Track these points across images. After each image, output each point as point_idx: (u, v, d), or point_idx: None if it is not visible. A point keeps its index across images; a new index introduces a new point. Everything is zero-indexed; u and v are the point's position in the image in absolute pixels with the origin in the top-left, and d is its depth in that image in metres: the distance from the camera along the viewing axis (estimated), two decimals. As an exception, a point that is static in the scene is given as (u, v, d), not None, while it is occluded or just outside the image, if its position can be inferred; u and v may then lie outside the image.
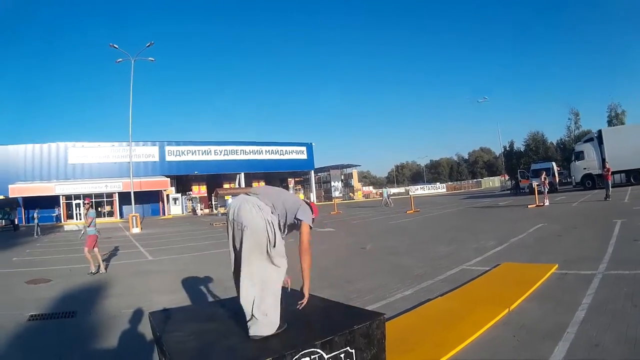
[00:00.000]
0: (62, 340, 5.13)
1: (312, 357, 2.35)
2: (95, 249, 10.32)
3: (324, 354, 2.40)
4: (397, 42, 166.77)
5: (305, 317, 2.98)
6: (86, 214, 10.70)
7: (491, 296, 5.42)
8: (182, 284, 7.81)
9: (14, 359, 4.70)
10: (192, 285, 7.70)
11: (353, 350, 2.54)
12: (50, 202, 41.69)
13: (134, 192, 31.87)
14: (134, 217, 24.78)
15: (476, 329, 4.15)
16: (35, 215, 26.54)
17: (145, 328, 4.83)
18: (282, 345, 2.42)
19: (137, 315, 5.83)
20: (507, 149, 68.68)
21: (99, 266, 10.00)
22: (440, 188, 71.64)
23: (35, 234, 24.29)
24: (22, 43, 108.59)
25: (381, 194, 39.64)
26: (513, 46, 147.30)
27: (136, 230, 24.09)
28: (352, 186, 62.27)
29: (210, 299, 6.46)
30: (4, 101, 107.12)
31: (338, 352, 2.47)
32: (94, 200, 42.21)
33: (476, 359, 3.65)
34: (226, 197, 38.39)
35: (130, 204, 31.48)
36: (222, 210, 37.99)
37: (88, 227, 10.45)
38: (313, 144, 58.68)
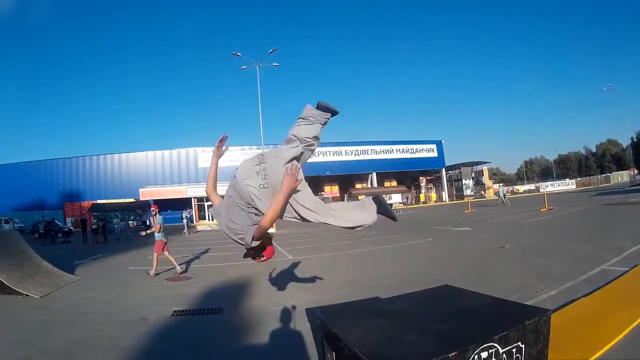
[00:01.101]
0: (211, 336, 5.43)
1: (490, 351, 2.38)
2: (166, 252, 10.82)
3: (500, 348, 2.43)
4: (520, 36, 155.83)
5: (476, 311, 3.03)
6: (154, 220, 11.36)
7: (634, 297, 5.33)
8: (326, 283, 8.06)
9: (164, 352, 4.95)
10: (337, 283, 7.95)
11: (523, 346, 2.56)
12: (181, 204, 44.21)
13: None
14: None
15: (621, 329, 4.12)
16: (184, 215, 29.49)
17: (297, 325, 5.35)
18: (463, 340, 2.41)
19: (286, 313, 5.96)
20: (635, 140, 59.84)
21: (174, 268, 10.75)
22: (569, 184, 66.89)
23: (185, 233, 26.86)
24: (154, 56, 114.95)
25: (499, 193, 36.99)
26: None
27: (271, 230, 20.63)
28: (483, 184, 59.60)
29: (358, 296, 6.51)
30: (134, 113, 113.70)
31: (511, 346, 2.49)
32: None
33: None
34: (360, 197, 37.70)
35: None
36: None
37: (157, 232, 10.86)
38: (443, 141, 57.49)
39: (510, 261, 9.25)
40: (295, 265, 10.70)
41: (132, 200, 44.74)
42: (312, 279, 8.42)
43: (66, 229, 30.68)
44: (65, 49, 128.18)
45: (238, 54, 29.05)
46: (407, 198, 45.93)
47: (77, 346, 5.28)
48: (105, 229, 25.37)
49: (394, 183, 55.98)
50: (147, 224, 36.22)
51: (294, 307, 6.13)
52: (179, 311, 6.62)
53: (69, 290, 9.49)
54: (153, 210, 11.74)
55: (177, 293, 8.20)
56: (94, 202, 44.35)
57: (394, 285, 7.29)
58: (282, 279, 8.79)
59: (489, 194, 55.91)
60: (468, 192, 55.29)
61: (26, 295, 8.68)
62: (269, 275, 9.14)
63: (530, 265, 8.45)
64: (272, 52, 28.99)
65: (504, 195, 34.36)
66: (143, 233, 11.80)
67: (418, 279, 7.65)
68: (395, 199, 38.47)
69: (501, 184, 57.50)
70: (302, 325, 5.39)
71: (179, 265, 10.96)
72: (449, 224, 18.90)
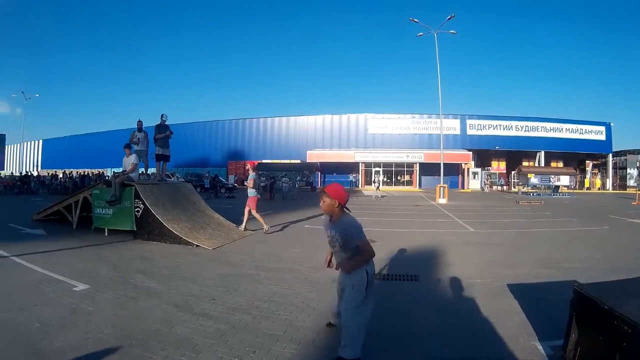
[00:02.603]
0: (412, 304, 4.95)
1: None
2: (252, 211, 10.69)
3: None
4: None
5: None
6: (246, 177, 11.60)
7: None
8: (517, 260, 7.56)
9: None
10: (528, 262, 7.40)
11: None
12: (348, 168, 44.91)
13: (435, 164, 33.12)
14: (441, 188, 24.55)
15: None
16: (375, 179, 29.71)
17: (502, 301, 4.96)
18: None
19: (486, 287, 5.64)
20: None
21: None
22: None
23: (377, 196, 26.61)
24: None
25: None
26: None
27: (442, 200, 23.90)
28: None
29: (556, 278, 6.15)
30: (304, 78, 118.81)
31: None
32: (394, 169, 46.07)
33: None
34: (529, 176, 35.38)
35: (430, 175, 36.39)
36: (522, 188, 36.56)
37: (251, 188, 10.88)
38: (612, 124, 51.01)
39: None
40: (479, 238, 10.35)
41: (298, 161, 45.43)
42: (502, 255, 8.06)
43: (230, 185, 31.82)
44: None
45: (415, 20, 28.07)
46: (574, 182, 39.90)
47: (267, 304, 4.84)
48: (273, 187, 25.76)
49: (560, 164, 51.22)
50: (314, 185, 38.09)
51: (491, 283, 5.86)
52: (377, 274, 6.00)
53: (243, 243, 9.01)
54: (250, 169, 11.67)
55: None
56: (260, 161, 45.61)
57: (589, 268, 6.79)
58: (470, 252, 8.41)
59: (653, 187, 47.96)
60: (632, 182, 48.44)
61: (197, 246, 8.26)
62: (459, 246, 9.01)
63: None
64: (449, 18, 27.61)
65: None
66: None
67: (610, 264, 7.17)
68: (563, 181, 34.04)
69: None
70: (507, 301, 5.03)
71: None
72: (621, 215, 16.83)
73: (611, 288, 3.19)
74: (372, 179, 31.51)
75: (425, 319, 4.43)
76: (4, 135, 65.80)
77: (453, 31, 28.65)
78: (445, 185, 24.89)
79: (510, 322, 4.27)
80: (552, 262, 7.33)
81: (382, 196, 27.35)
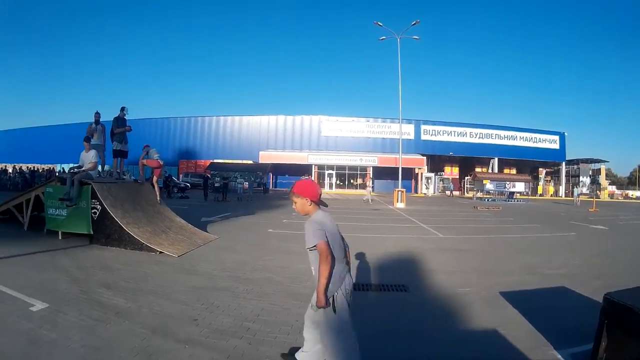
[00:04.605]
0: (408, 317, 4.70)
1: None
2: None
3: None
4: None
5: None
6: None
7: None
8: (499, 267, 7.51)
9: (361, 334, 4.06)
10: (510, 269, 7.35)
11: None
12: (301, 170, 44.33)
13: (388, 168, 36.35)
14: (399, 192, 24.63)
15: None
16: (368, 184, 30.26)
17: (500, 311, 4.85)
18: None
19: (479, 296, 5.53)
20: None
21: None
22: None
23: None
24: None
25: None
26: None
27: (400, 205, 23.99)
28: (599, 183, 54.88)
29: (544, 284, 6.17)
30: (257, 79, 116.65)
31: None
32: (347, 172, 46.45)
33: None
34: (484, 182, 36.39)
35: (383, 178, 35.95)
36: (477, 194, 37.47)
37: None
38: (566, 133, 54.40)
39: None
40: (451, 244, 10.22)
41: (250, 162, 45.08)
42: (481, 262, 7.98)
43: (182, 185, 30.86)
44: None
45: (379, 23, 28.59)
46: (529, 188, 41.93)
47: (257, 324, 4.30)
48: (227, 188, 25.12)
49: (513, 171, 53.56)
50: (267, 186, 37.65)
51: (481, 291, 5.75)
52: (360, 285, 5.83)
53: (209, 250, 8.39)
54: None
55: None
56: (212, 161, 45.34)
57: (571, 274, 6.90)
58: (448, 258, 8.26)
59: (604, 195, 51.82)
60: (584, 190, 51.17)
61: (160, 252, 7.62)
62: (434, 252, 8.85)
63: None
64: (414, 24, 28.20)
65: (578, 196, 33.63)
66: None
67: (592, 270, 7.30)
68: (518, 188, 36.33)
69: (577, 187, 52.03)
70: (506, 310, 4.93)
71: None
72: (580, 221, 17.59)
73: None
74: (366, 184, 31.43)
75: (431, 335, 4.14)
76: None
77: (416, 37, 29.28)
78: (404, 190, 25.08)
79: (519, 332, 4.16)
80: (533, 268, 7.32)
81: (372, 200, 27.29)
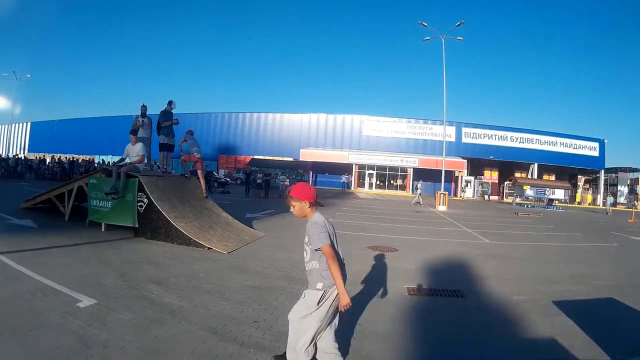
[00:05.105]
0: (469, 323, 4.54)
1: None
2: None
3: None
4: None
5: None
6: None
7: None
8: (548, 276, 7.21)
9: (429, 341, 3.96)
10: (558, 277, 7.13)
11: None
12: (340, 169, 44.03)
13: (428, 170, 36.87)
14: (442, 195, 24.10)
15: None
16: (418, 186, 28.37)
17: (559, 319, 4.67)
18: None
19: (534, 304, 5.33)
20: None
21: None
22: None
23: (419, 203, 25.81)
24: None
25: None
26: None
27: (442, 208, 23.51)
28: (637, 193, 51.79)
29: (593, 295, 6.01)
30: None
31: None
32: (387, 172, 45.56)
33: None
34: (524, 187, 35.12)
35: (422, 180, 34.15)
36: (516, 199, 36.55)
37: None
38: (605, 140, 51.81)
39: None
40: (497, 250, 9.84)
41: (290, 159, 44.97)
42: (530, 270, 7.73)
43: (222, 180, 30.48)
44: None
45: (424, 24, 27.75)
46: (567, 196, 40.22)
47: None
48: (269, 184, 24.75)
49: (552, 177, 51.27)
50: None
51: (537, 300, 5.54)
52: (415, 289, 5.73)
53: (258, 248, 8.03)
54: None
55: (394, 266, 7.20)
56: (253, 157, 44.97)
57: (621, 286, 6.53)
58: (498, 265, 8.01)
59: (640, 206, 49.61)
60: (622, 199, 49.82)
61: (209, 248, 7.31)
62: (483, 258, 8.58)
63: None
64: (459, 25, 27.39)
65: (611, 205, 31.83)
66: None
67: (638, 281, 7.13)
68: (557, 195, 34.96)
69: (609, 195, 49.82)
70: (561, 319, 4.73)
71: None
72: (621, 232, 16.64)
73: None
74: (415, 186, 30.95)
75: (496, 344, 3.98)
76: (-10, 115, 64.76)
77: (460, 38, 28.53)
78: (446, 193, 24.44)
79: (578, 342, 4.04)
80: (581, 278, 7.11)
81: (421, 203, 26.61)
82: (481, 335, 4.16)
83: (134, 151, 8.61)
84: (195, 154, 9.89)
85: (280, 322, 3.97)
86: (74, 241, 7.25)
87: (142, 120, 9.86)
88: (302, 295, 2.96)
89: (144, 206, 7.92)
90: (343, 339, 3.61)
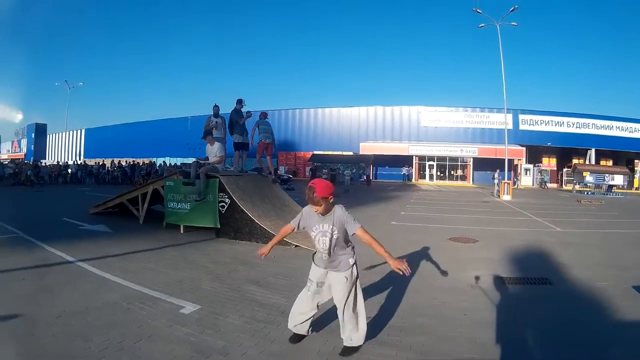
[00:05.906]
0: (561, 311, 4.53)
1: None
2: None
3: None
4: None
5: None
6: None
7: None
8: (623, 261, 7.13)
9: (529, 326, 3.98)
10: (635, 263, 6.99)
11: None
12: (400, 161, 43.32)
13: (487, 159, 36.26)
14: (506, 184, 23.68)
15: None
16: (495, 176, 27.32)
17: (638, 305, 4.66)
18: None
19: (617, 290, 5.26)
20: None
21: None
22: None
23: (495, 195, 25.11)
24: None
25: None
26: None
27: (507, 197, 23.11)
28: None
29: None
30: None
31: None
32: (448, 163, 44.57)
33: None
34: (584, 174, 33.66)
35: (482, 170, 36.05)
36: (576, 187, 34.52)
37: None
38: None
39: None
40: (571, 238, 9.66)
41: (350, 153, 44.70)
42: (606, 257, 7.58)
43: (285, 177, 30.50)
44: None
45: (479, 10, 27.73)
46: (627, 182, 37.83)
47: (428, 320, 4.08)
48: (335, 180, 24.39)
49: (610, 162, 48.27)
50: (369, 177, 36.98)
51: (617, 284, 5.48)
52: (505, 279, 5.75)
53: None
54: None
55: (478, 256, 7.24)
56: (313, 152, 45.27)
57: None
58: (575, 252, 7.87)
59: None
60: None
61: (296, 246, 7.24)
62: (558, 246, 8.46)
63: None
64: (513, 10, 27.23)
65: None
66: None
67: None
68: (617, 181, 33.16)
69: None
70: None
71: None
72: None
73: None
74: (492, 176, 29.97)
75: (598, 328, 3.99)
76: (46, 125, 68.11)
77: (514, 23, 28.02)
78: (510, 182, 23.86)
79: None
80: None
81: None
82: (580, 319, 4.19)
83: (212, 152, 8.64)
84: (263, 140, 9.82)
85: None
86: (155, 245, 7.31)
87: (216, 121, 9.86)
88: (344, 280, 3.16)
89: (226, 206, 7.92)
90: (454, 327, 3.82)
